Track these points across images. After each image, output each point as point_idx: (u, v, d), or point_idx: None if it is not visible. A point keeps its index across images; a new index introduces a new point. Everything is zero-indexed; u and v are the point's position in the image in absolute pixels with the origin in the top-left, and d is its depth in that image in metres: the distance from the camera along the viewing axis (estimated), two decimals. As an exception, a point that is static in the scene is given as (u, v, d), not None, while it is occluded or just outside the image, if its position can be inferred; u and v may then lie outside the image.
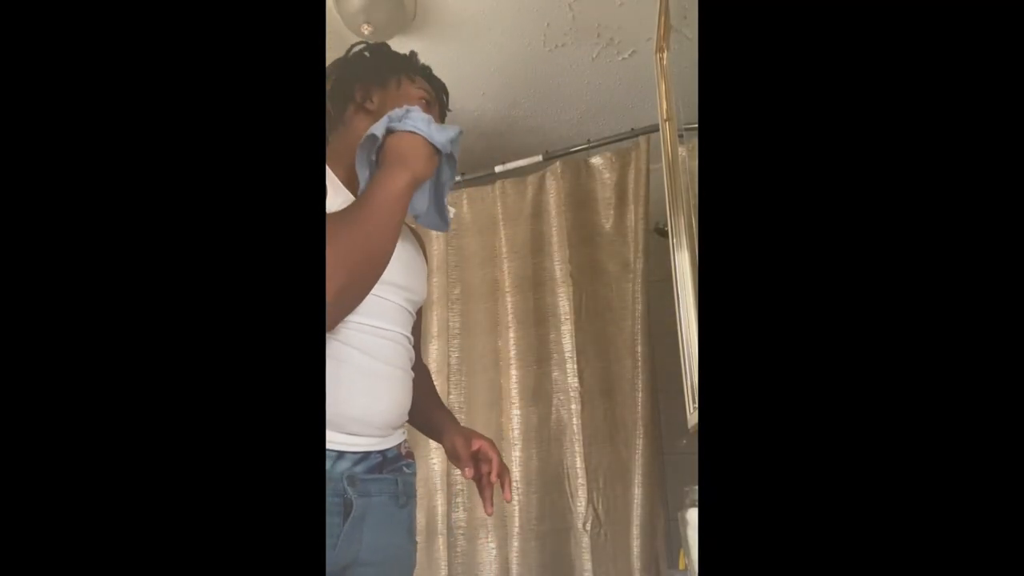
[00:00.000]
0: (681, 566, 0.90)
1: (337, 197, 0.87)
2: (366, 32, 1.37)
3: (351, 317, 0.83)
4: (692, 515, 0.79)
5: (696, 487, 0.80)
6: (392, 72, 1.00)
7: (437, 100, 1.03)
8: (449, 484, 1.55)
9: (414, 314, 0.98)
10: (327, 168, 0.90)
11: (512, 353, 1.55)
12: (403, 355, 0.92)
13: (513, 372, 1.53)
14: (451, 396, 1.60)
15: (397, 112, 0.86)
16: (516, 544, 1.43)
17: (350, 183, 0.93)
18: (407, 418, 0.94)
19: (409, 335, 0.95)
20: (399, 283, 0.91)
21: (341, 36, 1.44)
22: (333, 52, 1.46)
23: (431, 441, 1.57)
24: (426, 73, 1.03)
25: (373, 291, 0.85)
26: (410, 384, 0.93)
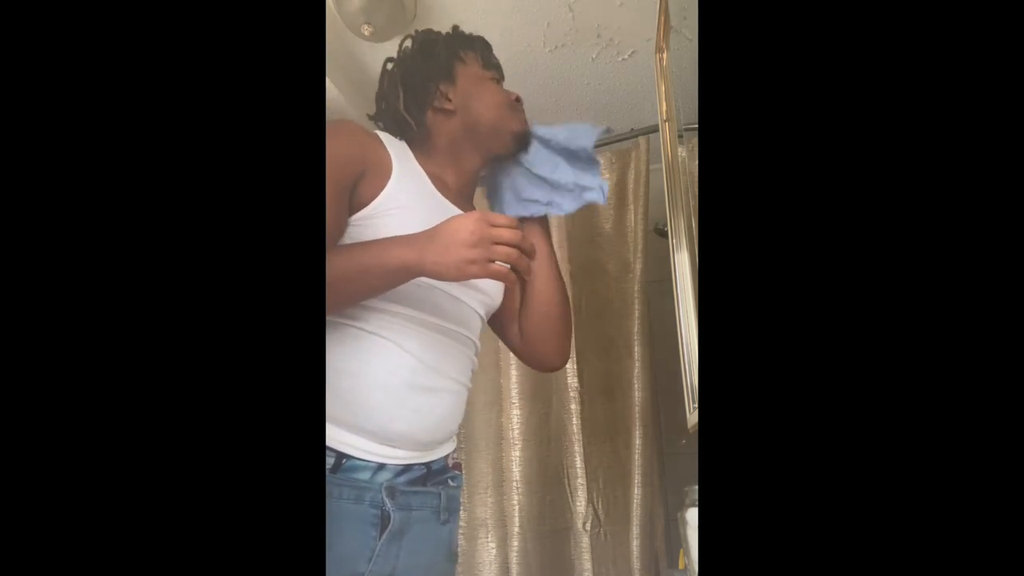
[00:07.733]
0: (681, 566, 0.90)
1: (436, 209, 0.81)
2: (366, 32, 1.37)
3: (413, 312, 0.76)
4: (692, 515, 0.79)
5: (696, 487, 0.80)
6: (453, 59, 0.95)
7: (494, 66, 0.99)
8: (449, 484, 1.55)
9: (486, 320, 0.93)
10: (427, 180, 0.86)
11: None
12: (466, 366, 0.86)
13: (513, 372, 1.52)
14: (451, 396, 1.60)
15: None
16: (516, 544, 1.43)
17: (458, 194, 0.89)
18: (456, 431, 0.88)
19: (477, 342, 0.89)
20: (476, 283, 0.84)
21: (341, 36, 1.44)
22: (333, 52, 1.47)
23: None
24: (475, 45, 0.99)
25: (444, 288, 0.79)
26: (465, 399, 0.86)
